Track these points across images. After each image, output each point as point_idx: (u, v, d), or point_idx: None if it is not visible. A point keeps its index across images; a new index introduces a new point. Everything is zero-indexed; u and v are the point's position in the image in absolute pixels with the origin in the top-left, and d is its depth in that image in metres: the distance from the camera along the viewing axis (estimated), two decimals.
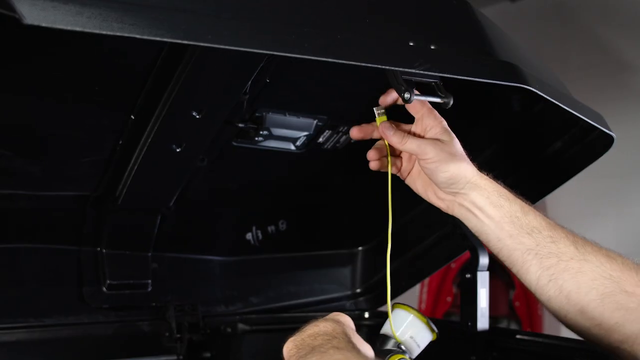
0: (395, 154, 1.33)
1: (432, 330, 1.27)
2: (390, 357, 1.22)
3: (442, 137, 1.23)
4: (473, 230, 1.25)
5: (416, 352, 1.27)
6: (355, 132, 1.33)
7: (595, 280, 1.11)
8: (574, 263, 1.13)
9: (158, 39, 0.86)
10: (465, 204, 1.22)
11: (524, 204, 1.21)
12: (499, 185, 1.23)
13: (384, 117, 1.28)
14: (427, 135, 1.24)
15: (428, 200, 1.32)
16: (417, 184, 1.32)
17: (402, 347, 1.25)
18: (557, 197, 4.08)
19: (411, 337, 1.26)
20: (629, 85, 3.93)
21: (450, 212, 1.28)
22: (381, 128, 1.25)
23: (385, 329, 1.28)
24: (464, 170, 1.22)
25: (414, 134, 1.26)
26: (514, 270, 1.22)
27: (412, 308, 1.27)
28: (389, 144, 1.29)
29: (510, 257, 1.20)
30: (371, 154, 1.31)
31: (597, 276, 1.11)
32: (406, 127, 1.30)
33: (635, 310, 1.08)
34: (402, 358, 1.21)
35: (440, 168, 1.20)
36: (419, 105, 1.24)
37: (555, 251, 1.15)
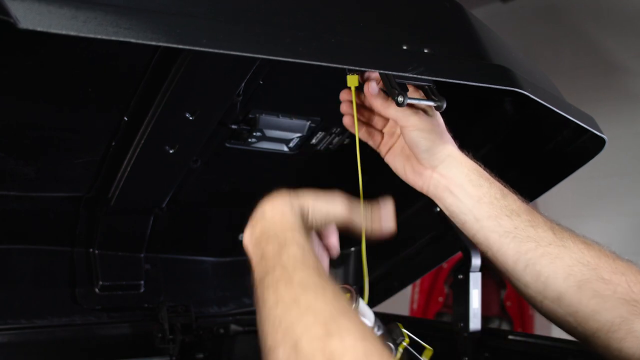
0: (378, 127, 1.29)
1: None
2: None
3: (427, 110, 1.20)
4: (449, 210, 1.20)
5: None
6: (344, 95, 1.28)
7: (573, 267, 1.08)
8: (552, 249, 1.10)
9: (154, 43, 0.86)
10: (442, 180, 1.19)
11: (502, 186, 1.18)
12: (479, 166, 1.20)
13: (355, 78, 1.21)
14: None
15: (405, 179, 1.26)
16: (397, 161, 1.27)
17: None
18: (548, 198, 4.11)
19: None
20: (619, 86, 3.95)
21: (425, 190, 1.23)
22: (367, 89, 1.19)
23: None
24: (446, 142, 1.19)
25: None
26: (489, 254, 1.17)
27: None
28: (357, 110, 1.25)
29: (487, 239, 1.16)
30: (345, 108, 1.27)
31: (575, 262, 1.08)
32: None
33: (611, 298, 1.05)
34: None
35: (422, 136, 1.17)
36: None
37: (533, 235, 1.12)
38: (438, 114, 1.21)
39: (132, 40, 0.85)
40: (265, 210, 1.04)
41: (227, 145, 1.70)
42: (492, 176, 1.19)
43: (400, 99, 1.10)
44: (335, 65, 1.00)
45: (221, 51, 0.90)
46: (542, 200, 4.23)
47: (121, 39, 0.84)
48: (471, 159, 1.21)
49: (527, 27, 4.30)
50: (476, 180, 1.17)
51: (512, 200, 1.16)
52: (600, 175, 3.83)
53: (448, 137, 1.21)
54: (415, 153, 1.20)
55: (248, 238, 1.04)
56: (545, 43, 4.21)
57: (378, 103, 1.19)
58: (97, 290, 1.83)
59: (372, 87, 1.19)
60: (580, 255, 1.09)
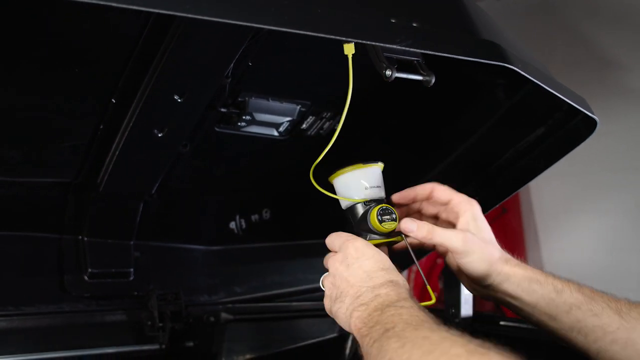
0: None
1: (372, 164, 1.24)
2: (371, 211, 1.19)
3: (470, 227, 1.21)
4: (519, 314, 1.23)
5: (382, 191, 1.25)
6: (396, 198, 1.30)
7: None
8: (621, 333, 1.10)
9: (134, 7, 0.85)
10: (499, 295, 1.21)
11: (557, 282, 1.18)
12: (528, 269, 1.20)
13: (352, 45, 1.13)
14: (457, 224, 1.21)
15: (473, 293, 1.29)
16: (462, 279, 1.28)
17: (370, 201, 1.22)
18: (542, 193, 4.11)
19: (367, 188, 1.23)
20: (612, 82, 3.94)
21: (491, 300, 1.26)
22: (404, 225, 1.20)
23: (345, 204, 1.26)
24: (493, 265, 1.19)
25: (442, 221, 1.26)
26: (570, 347, 1.18)
27: (339, 170, 1.25)
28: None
29: (557, 338, 1.17)
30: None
31: None
32: (433, 210, 1.27)
33: None
34: (382, 207, 1.19)
35: (471, 265, 1.19)
36: (447, 192, 1.22)
37: (599, 324, 1.12)
38: (482, 225, 1.22)
39: (113, 4, 0.83)
40: (375, 289, 1.07)
41: (217, 129, 1.68)
42: (544, 275, 1.19)
43: (388, 72, 1.09)
44: (320, 35, 0.98)
45: (204, 17, 0.88)
46: (536, 195, 4.22)
47: (101, 2, 0.82)
48: (520, 262, 1.21)
49: (520, 23, 4.29)
50: (527, 288, 1.18)
51: (569, 295, 1.16)
52: (594, 170, 3.82)
53: (493, 253, 1.20)
54: (468, 277, 1.23)
55: (359, 318, 1.05)
56: (538, 39, 4.19)
57: (420, 234, 1.19)
58: (85, 277, 1.82)
59: (409, 221, 1.19)
60: None
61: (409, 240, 1.23)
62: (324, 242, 1.27)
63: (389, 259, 1.16)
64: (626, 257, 3.79)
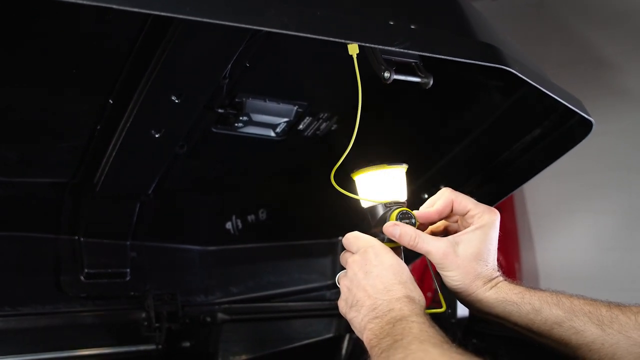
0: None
1: (397, 166, 1.21)
2: (390, 213, 1.17)
3: (463, 240, 1.16)
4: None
5: (404, 194, 1.23)
6: (422, 220, 1.25)
7: (630, 354, 1.09)
8: (606, 350, 1.10)
9: (135, 9, 0.85)
10: (480, 313, 1.21)
11: (535, 300, 1.15)
12: (503, 291, 1.17)
13: (355, 46, 1.10)
14: (468, 229, 1.18)
15: None
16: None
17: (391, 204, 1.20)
18: (537, 192, 4.12)
19: (389, 189, 1.20)
20: (608, 82, 3.96)
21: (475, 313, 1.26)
22: (386, 230, 1.18)
23: (365, 203, 1.22)
24: (470, 284, 1.17)
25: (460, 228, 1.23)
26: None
27: (365, 168, 1.22)
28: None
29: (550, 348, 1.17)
30: None
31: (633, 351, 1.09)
32: (455, 217, 1.24)
33: None
34: (401, 210, 1.18)
35: (448, 279, 1.18)
36: (463, 204, 1.19)
37: (583, 342, 1.11)
38: (487, 235, 1.18)
39: (114, 6, 0.83)
40: (391, 303, 1.08)
41: (214, 130, 1.69)
42: (524, 290, 1.16)
43: (386, 74, 1.10)
44: (319, 37, 0.98)
45: (204, 20, 0.89)
46: (530, 195, 4.23)
47: (102, 4, 0.83)
48: (501, 280, 1.18)
49: (516, 24, 4.30)
50: (502, 312, 1.17)
51: (548, 313, 1.14)
52: (588, 170, 3.84)
53: (474, 271, 1.17)
54: (451, 291, 1.22)
55: (371, 330, 1.06)
56: (533, 40, 4.21)
57: (404, 241, 1.17)
58: (82, 278, 1.82)
59: (391, 226, 1.17)
60: (636, 345, 1.09)
61: None
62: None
63: (407, 269, 1.15)
64: (620, 256, 3.80)
